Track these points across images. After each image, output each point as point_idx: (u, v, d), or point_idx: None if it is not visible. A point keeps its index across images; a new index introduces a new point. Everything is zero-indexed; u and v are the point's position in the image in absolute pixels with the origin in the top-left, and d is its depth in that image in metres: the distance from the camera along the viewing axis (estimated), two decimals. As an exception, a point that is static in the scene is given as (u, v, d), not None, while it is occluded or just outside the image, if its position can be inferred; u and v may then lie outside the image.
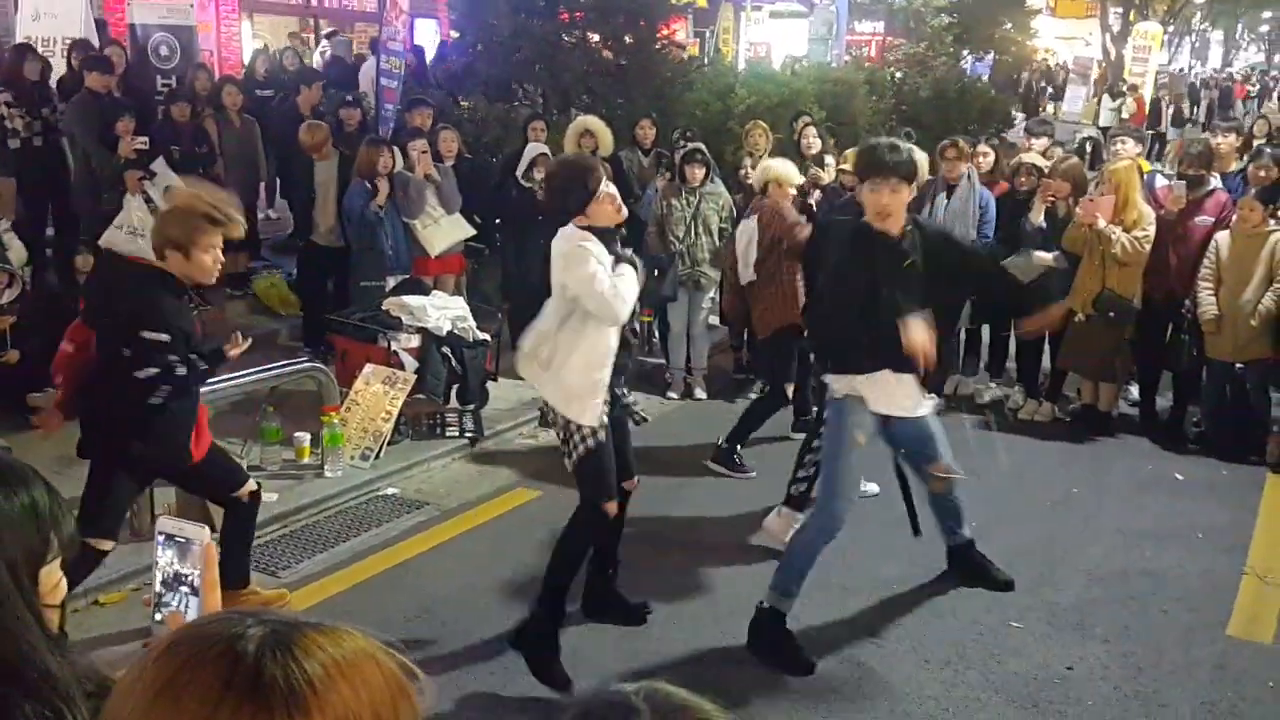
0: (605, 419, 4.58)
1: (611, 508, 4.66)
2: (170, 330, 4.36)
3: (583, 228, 4.51)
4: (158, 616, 1.72)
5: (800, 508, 5.81)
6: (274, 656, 0.99)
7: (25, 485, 1.52)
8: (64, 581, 1.65)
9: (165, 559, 1.73)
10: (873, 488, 6.17)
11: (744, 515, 6.26)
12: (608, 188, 4.52)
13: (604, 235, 4.53)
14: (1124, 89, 21.92)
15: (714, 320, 9.04)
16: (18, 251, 7.65)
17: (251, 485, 4.98)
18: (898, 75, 17.51)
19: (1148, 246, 7.34)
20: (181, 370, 4.41)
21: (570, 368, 4.52)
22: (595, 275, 4.40)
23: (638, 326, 8.64)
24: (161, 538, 1.73)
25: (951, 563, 5.53)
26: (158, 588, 1.73)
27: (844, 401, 4.78)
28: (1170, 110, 25.06)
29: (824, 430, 5.07)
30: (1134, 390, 8.25)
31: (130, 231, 8.04)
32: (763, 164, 7.85)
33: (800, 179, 7.64)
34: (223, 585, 4.36)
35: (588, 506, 4.67)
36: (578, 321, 4.52)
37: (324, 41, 15.71)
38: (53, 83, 9.22)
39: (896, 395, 4.81)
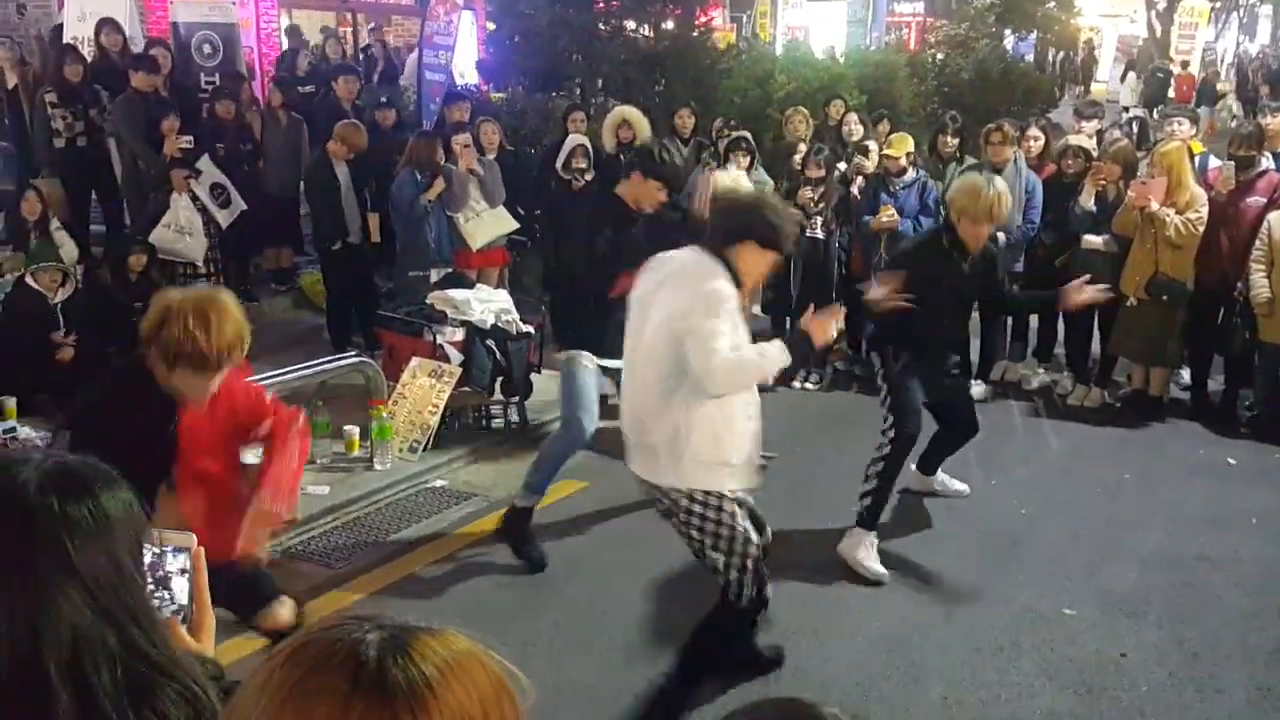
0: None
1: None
2: None
3: (717, 258, 3.88)
4: None
5: (869, 526, 5.50)
6: (395, 659, 1.04)
7: (116, 484, 1.54)
8: None
9: (155, 567, 1.75)
10: (963, 487, 6.09)
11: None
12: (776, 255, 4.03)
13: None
14: (1166, 65, 21.48)
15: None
16: (69, 250, 7.78)
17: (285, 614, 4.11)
18: (939, 57, 17.30)
19: (1201, 228, 7.24)
20: None
21: (696, 446, 3.93)
22: (719, 336, 3.76)
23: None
24: (151, 550, 1.72)
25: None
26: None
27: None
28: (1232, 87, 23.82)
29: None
30: (1185, 375, 8.14)
31: (178, 230, 8.15)
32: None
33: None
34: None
35: (731, 593, 4.09)
36: (692, 387, 3.88)
37: (367, 37, 15.82)
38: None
39: None
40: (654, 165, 5.97)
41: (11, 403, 6.62)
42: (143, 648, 1.48)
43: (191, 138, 8.51)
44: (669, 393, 3.92)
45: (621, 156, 8.70)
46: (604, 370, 5.68)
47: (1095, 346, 8.18)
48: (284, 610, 4.01)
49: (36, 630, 1.39)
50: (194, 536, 1.78)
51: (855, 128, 9.16)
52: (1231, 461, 7.00)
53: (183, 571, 1.80)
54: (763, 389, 7.89)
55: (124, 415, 3.44)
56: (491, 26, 13.98)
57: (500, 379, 7.42)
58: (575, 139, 8.74)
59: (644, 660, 4.54)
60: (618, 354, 4.45)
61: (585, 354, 5.63)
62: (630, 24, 13.15)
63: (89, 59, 9.44)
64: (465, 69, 13.24)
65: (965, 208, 5.36)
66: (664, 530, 4.34)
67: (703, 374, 3.82)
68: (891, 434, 5.42)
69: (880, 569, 5.33)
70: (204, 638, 1.85)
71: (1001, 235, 7.78)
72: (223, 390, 3.53)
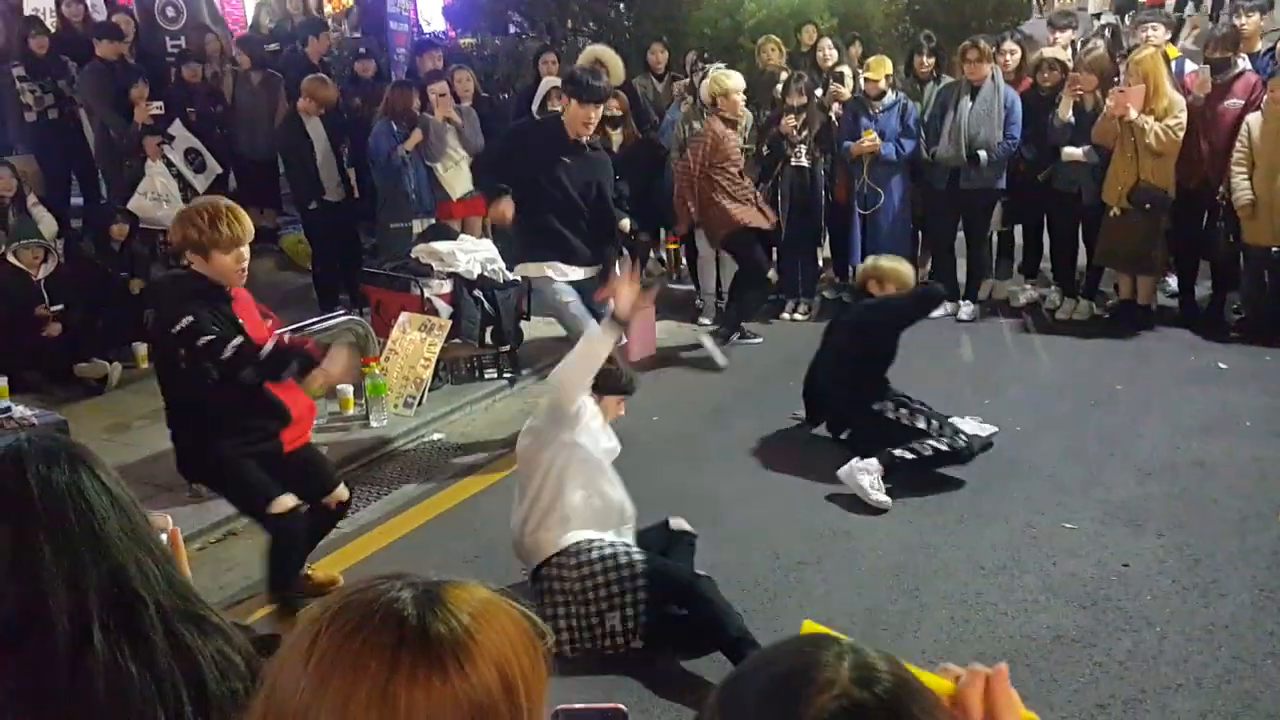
0: None
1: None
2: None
3: None
4: None
5: (890, 469, 5.52)
6: (433, 612, 1.10)
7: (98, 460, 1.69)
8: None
9: None
10: (990, 427, 6.08)
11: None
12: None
13: None
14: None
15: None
16: (48, 225, 7.71)
17: (342, 495, 4.76)
18: (909, -26, 17.07)
19: (1181, 134, 7.24)
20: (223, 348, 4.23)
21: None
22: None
23: (665, 254, 8.68)
24: None
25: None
26: None
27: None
28: None
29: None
30: (1172, 282, 8.18)
31: (155, 198, 8.07)
32: (712, 74, 8.00)
33: (743, 86, 7.80)
34: (282, 575, 4.54)
35: None
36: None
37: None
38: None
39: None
40: (573, 84, 6.08)
41: (3, 382, 6.60)
42: (181, 586, 1.65)
43: (161, 103, 8.40)
44: None
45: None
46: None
47: (1081, 259, 8.20)
48: (344, 490, 4.74)
49: (121, 570, 1.57)
50: (169, 518, 1.86)
51: (829, 53, 9.08)
52: (1222, 366, 7.05)
53: None
54: (757, 320, 7.91)
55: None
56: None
57: (490, 328, 7.42)
58: (549, 81, 8.67)
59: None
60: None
61: (553, 267, 6.03)
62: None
63: (52, 30, 9.29)
64: (432, 16, 13.06)
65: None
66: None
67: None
68: None
69: (884, 497, 5.38)
70: None
71: (983, 153, 7.77)
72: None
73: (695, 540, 4.66)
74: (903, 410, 5.68)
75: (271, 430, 4.47)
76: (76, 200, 9.39)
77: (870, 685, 1.03)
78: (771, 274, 8.10)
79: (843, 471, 5.50)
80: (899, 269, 5.99)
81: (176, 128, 8.50)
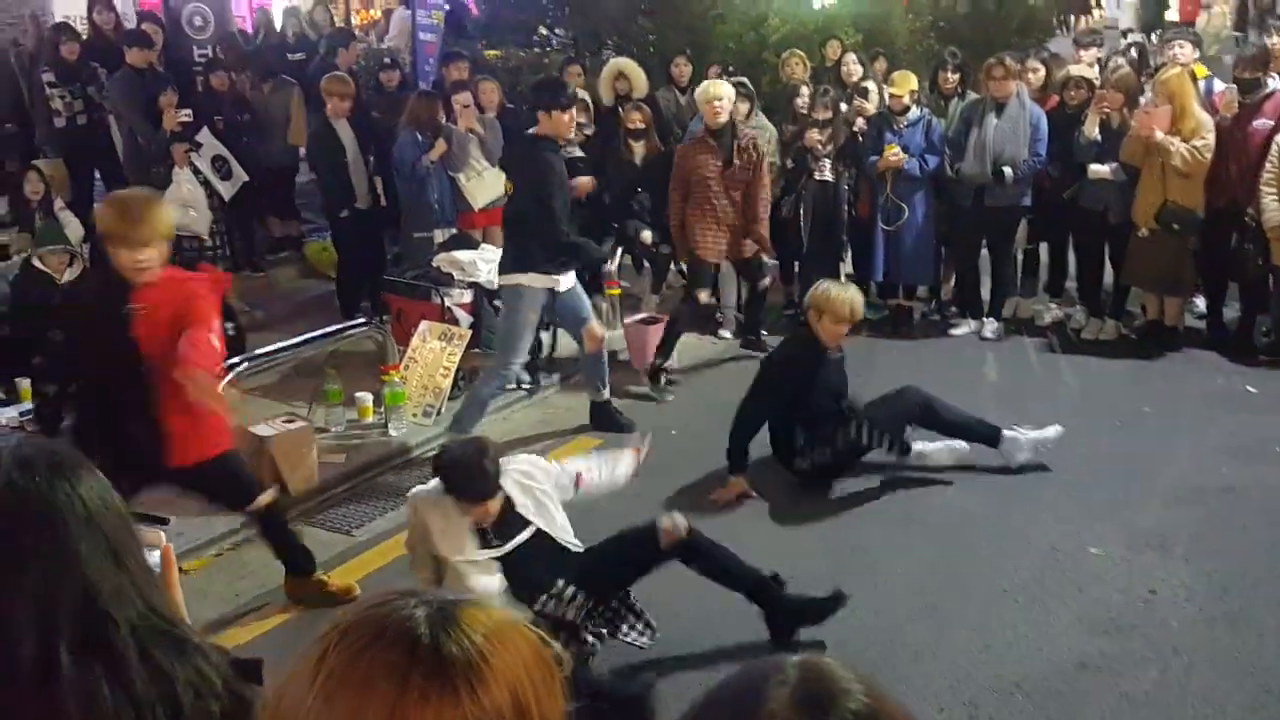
0: None
1: None
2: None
3: None
4: None
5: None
6: (446, 632, 1.07)
7: (94, 471, 1.62)
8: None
9: None
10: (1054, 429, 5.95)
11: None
12: None
13: None
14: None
15: (766, 260, 8.93)
16: (75, 229, 7.73)
17: (267, 498, 4.73)
18: (933, -10, 17.06)
19: (1208, 155, 7.16)
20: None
21: None
22: None
23: (684, 267, 8.65)
24: None
25: (592, 418, 6.78)
26: None
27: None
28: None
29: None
30: (1200, 303, 8.09)
31: (181, 204, 8.07)
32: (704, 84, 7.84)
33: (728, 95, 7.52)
34: (291, 572, 4.65)
35: None
36: None
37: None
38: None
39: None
40: (551, 93, 6.29)
41: (26, 384, 6.61)
42: (158, 606, 1.58)
43: (190, 111, 8.43)
44: None
45: (619, 109, 8.62)
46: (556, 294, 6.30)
47: (1108, 278, 8.12)
48: (266, 494, 4.69)
49: (92, 587, 1.49)
50: (162, 535, 1.82)
51: (854, 68, 9.04)
52: (1251, 389, 6.96)
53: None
54: (775, 333, 7.83)
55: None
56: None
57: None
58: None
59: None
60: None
61: (530, 276, 6.20)
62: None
63: (82, 37, 9.36)
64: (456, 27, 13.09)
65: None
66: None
67: None
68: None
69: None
70: None
71: (1008, 170, 7.72)
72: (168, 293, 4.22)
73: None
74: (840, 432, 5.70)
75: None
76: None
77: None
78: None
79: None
80: (841, 300, 5.69)
81: (204, 135, 8.52)
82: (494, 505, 4.11)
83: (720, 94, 7.48)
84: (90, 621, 1.47)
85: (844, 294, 5.78)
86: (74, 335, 4.50)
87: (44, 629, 1.45)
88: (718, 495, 5.65)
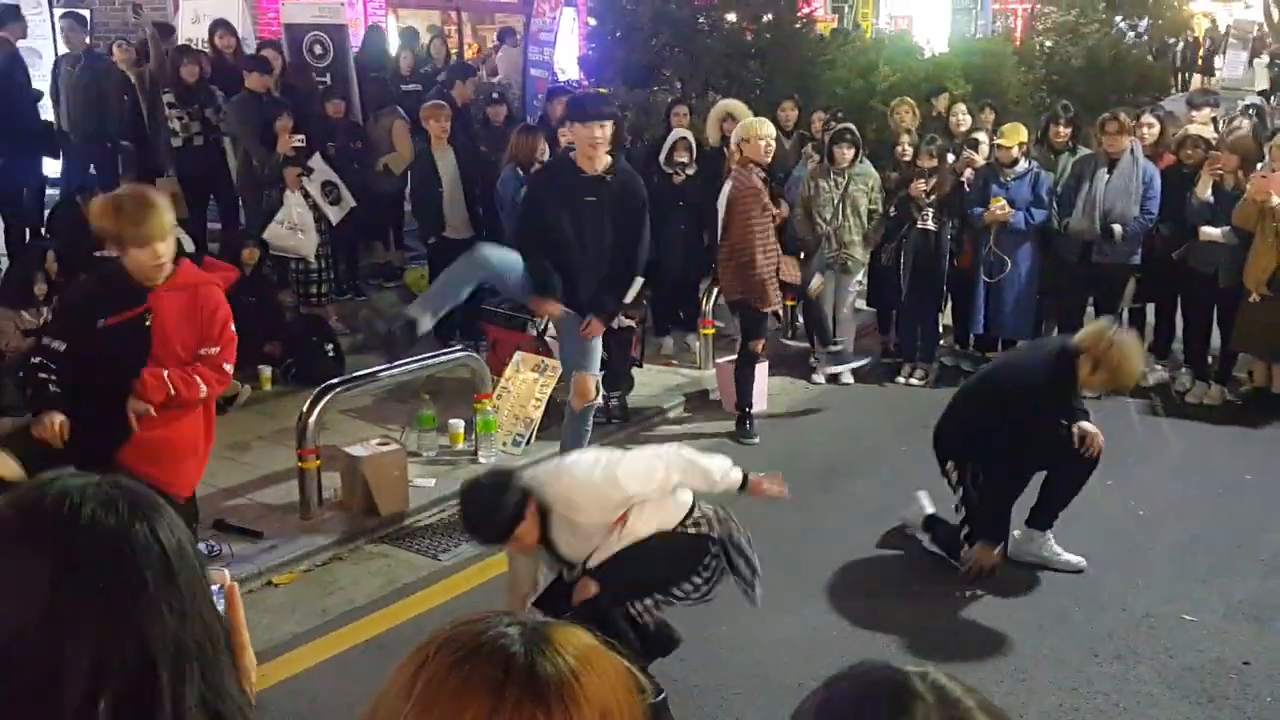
0: None
1: None
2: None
3: None
4: None
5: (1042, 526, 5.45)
6: (541, 652, 1.09)
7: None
8: None
9: None
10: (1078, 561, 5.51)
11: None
12: None
13: None
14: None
15: (861, 304, 8.90)
16: (186, 246, 7.98)
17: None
18: (1047, 44, 16.92)
19: (1326, 222, 6.95)
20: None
21: None
22: None
23: (781, 310, 8.64)
24: None
25: None
26: None
27: None
28: None
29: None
30: (1309, 371, 7.83)
31: (291, 226, 8.32)
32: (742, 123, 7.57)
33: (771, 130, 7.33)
34: None
35: None
36: None
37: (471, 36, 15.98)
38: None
39: None
40: (569, 108, 6.19)
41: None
42: (214, 679, 1.47)
43: (303, 136, 8.67)
44: None
45: (725, 150, 8.66)
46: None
47: (1215, 341, 7.91)
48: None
49: (147, 640, 1.39)
50: (227, 574, 1.75)
51: (963, 118, 8.98)
52: (1359, 462, 6.71)
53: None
54: (870, 382, 7.75)
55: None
56: (593, 22, 14.02)
57: (602, 373, 7.44)
58: (678, 133, 8.73)
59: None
60: None
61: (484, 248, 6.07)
62: (731, 16, 13.08)
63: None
64: (566, 65, 13.30)
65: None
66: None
67: None
68: None
69: (1076, 558, 5.33)
70: (243, 680, 1.81)
71: (1118, 227, 7.59)
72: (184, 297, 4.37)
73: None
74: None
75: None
76: (213, 225, 9.73)
77: None
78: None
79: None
80: (1131, 372, 5.20)
81: (316, 161, 8.76)
82: (524, 533, 3.89)
83: (773, 132, 7.39)
84: (140, 677, 1.40)
85: (1136, 365, 5.22)
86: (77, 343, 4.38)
87: (94, 675, 1.37)
88: (972, 565, 5.23)
